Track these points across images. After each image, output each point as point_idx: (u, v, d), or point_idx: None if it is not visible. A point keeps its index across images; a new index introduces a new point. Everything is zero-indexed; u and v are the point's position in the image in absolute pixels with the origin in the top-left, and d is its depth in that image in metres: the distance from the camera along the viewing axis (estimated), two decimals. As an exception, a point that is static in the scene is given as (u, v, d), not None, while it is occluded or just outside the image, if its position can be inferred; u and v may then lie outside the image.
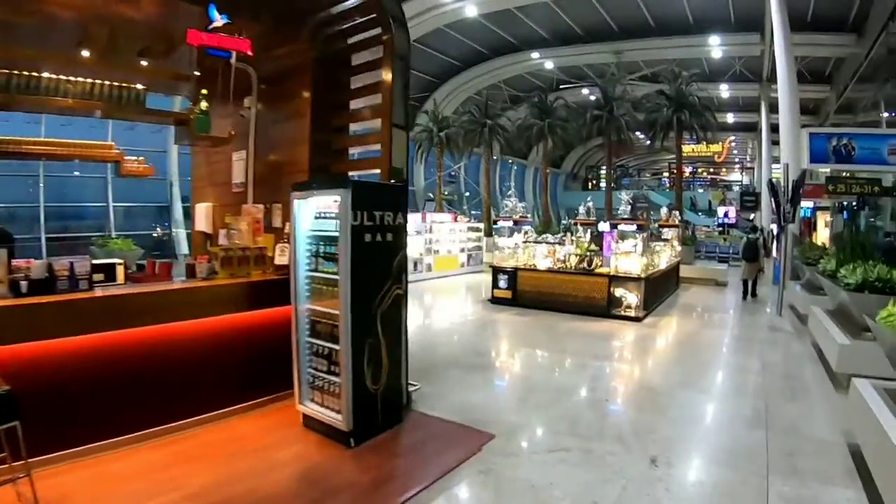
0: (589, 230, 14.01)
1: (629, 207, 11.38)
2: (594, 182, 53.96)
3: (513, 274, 12.52)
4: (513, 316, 11.57)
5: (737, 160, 52.29)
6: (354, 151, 7.07)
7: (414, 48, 28.33)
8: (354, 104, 6.64)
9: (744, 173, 51.07)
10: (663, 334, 10.23)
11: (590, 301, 11.34)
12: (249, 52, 5.77)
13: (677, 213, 16.35)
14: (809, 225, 24.09)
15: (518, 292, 12.46)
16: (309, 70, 6.60)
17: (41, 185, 18.12)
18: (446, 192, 35.15)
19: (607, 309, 11.14)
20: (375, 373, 4.96)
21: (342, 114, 6.73)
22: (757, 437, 5.24)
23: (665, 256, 13.81)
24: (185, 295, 5.13)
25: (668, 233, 15.60)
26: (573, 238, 14.21)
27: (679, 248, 15.67)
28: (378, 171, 6.14)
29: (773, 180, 12.52)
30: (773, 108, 28.59)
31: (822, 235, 23.26)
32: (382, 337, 5.06)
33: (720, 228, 35.04)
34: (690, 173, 50.90)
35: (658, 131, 23.07)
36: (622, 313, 11.03)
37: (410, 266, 17.01)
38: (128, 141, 23.08)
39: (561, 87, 31.78)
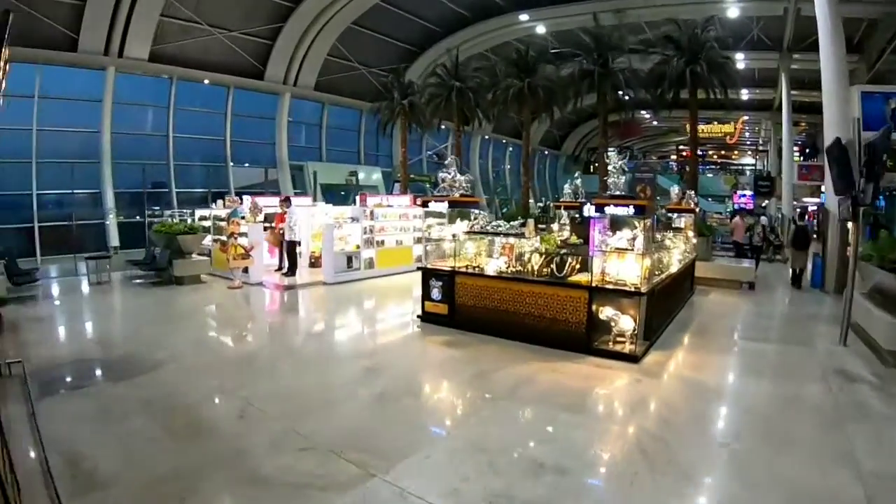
0: (570, 216, 9.94)
1: (622, 180, 7.12)
2: (596, 165, 49.63)
3: (448, 280, 8.33)
4: (439, 348, 7.41)
5: (748, 142, 48.08)
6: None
7: (386, 10, 24.13)
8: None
9: (757, 157, 46.87)
10: (676, 396, 5.90)
11: (560, 326, 7.18)
12: None
13: (692, 193, 12.16)
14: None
15: (456, 307, 8.30)
16: None
17: None
18: (434, 176, 30.86)
19: (587, 339, 7.00)
20: None
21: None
22: None
23: (677, 253, 9.66)
24: None
25: (680, 220, 11.46)
26: (559, 225, 10.27)
27: (694, 241, 11.54)
28: None
29: (844, 141, 8.35)
30: (795, 81, 24.80)
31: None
32: None
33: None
34: (699, 156, 46.62)
35: (667, 90, 18.01)
36: (610, 347, 6.90)
37: (342, 262, 13.01)
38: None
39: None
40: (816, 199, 28.84)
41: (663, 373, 6.46)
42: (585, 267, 7.27)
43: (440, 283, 8.52)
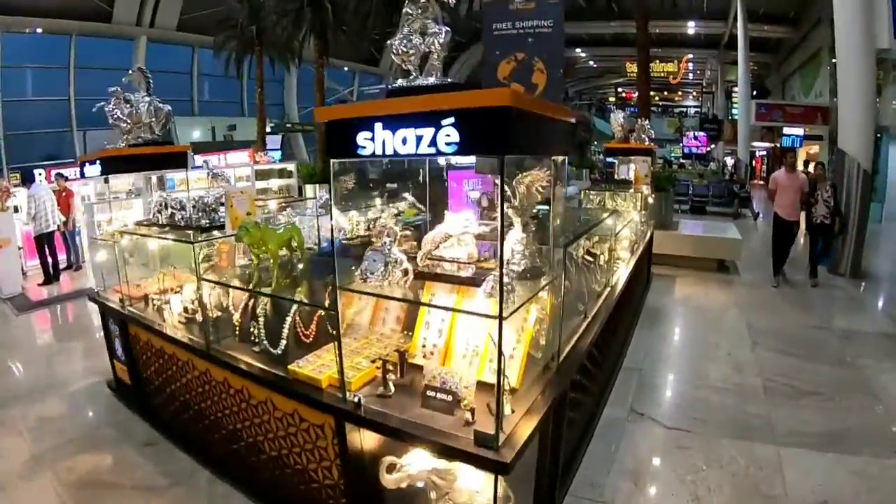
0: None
1: (442, 36, 2.10)
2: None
3: (122, 326, 3.63)
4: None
5: (692, 83, 43.83)
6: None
7: None
8: None
9: (701, 98, 42.96)
10: None
11: (295, 478, 2.45)
12: None
13: (647, 124, 7.28)
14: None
15: (141, 379, 3.61)
16: None
17: None
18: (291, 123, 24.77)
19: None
20: None
21: None
22: None
23: (627, 238, 4.98)
24: None
25: (628, 169, 6.78)
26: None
27: (650, 199, 6.83)
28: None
29: None
30: (752, 14, 20.96)
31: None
32: None
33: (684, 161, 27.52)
34: (638, 98, 42.30)
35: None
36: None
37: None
38: None
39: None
40: (767, 144, 25.06)
41: None
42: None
43: (118, 330, 3.74)
